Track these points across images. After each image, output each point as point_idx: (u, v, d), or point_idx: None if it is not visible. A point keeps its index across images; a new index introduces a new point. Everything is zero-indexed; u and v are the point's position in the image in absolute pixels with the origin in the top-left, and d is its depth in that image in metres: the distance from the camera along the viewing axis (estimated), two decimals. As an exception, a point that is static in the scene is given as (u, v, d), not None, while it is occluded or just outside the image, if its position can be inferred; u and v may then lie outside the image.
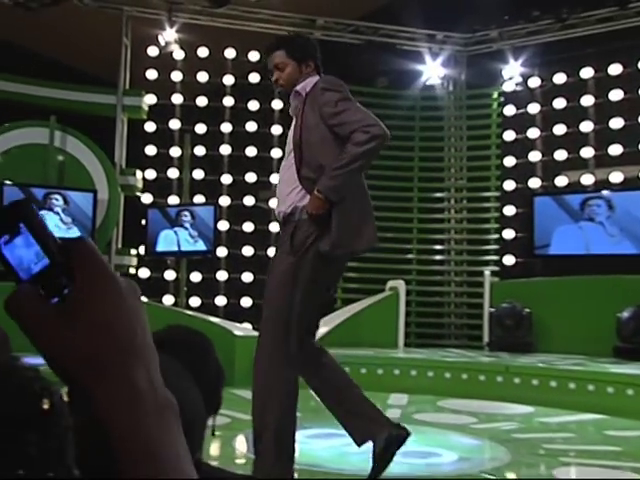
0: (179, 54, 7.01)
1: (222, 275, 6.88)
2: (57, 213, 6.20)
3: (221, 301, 6.87)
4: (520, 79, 7.05)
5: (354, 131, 2.53)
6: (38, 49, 6.88)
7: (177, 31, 6.93)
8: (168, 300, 6.81)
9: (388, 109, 7.38)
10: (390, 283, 6.64)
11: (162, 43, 6.90)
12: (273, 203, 7.00)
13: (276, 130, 7.06)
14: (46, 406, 0.52)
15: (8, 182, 6.00)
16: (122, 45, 6.78)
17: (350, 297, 6.96)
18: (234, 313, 6.66)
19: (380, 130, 2.55)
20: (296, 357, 2.48)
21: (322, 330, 6.23)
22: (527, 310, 6.12)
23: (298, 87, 2.68)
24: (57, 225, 6.18)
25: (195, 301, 6.86)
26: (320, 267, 2.52)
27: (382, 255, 7.25)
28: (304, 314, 2.51)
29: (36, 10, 6.20)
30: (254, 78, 7.11)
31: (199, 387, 1.01)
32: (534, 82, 6.97)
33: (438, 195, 7.52)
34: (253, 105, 7.05)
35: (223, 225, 6.93)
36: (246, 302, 6.85)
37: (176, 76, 7.03)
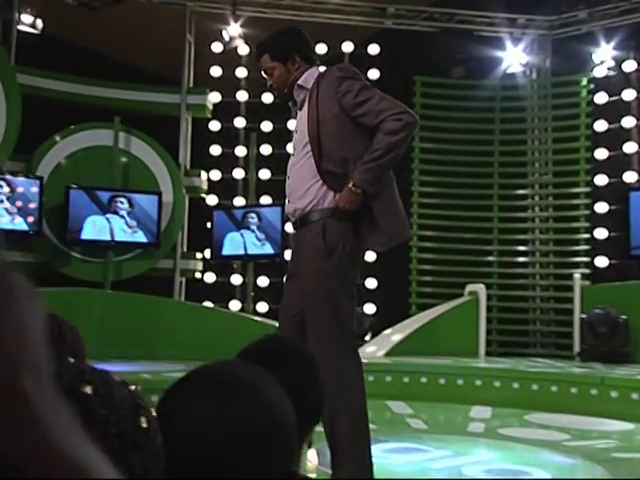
0: (244, 49, 7.06)
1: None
2: (122, 217, 6.34)
3: (262, 307, 6.85)
4: (613, 63, 6.72)
5: (384, 120, 2.50)
6: (101, 49, 7.06)
7: (241, 25, 6.98)
8: (235, 306, 6.84)
9: (465, 101, 7.20)
10: (469, 287, 6.46)
11: (226, 38, 6.96)
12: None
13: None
14: (145, 425, 0.55)
15: (74, 186, 6.18)
16: (185, 42, 6.88)
17: (426, 302, 6.82)
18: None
19: (411, 117, 2.53)
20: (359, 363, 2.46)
21: (396, 338, 6.13)
22: (623, 317, 5.81)
23: (300, 81, 2.68)
24: (122, 229, 6.32)
25: (262, 307, 6.86)
26: (357, 265, 2.55)
27: (460, 257, 7.07)
28: (351, 316, 2.51)
29: (99, 9, 6.37)
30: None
31: (304, 401, 0.97)
32: (629, 66, 6.63)
33: (521, 192, 7.26)
34: (320, 100, 7.00)
35: (291, 227, 6.91)
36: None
37: (241, 72, 7.07)
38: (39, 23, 6.44)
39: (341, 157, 2.53)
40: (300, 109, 2.71)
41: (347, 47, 7.02)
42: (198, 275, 6.94)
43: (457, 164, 7.15)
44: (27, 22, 6.36)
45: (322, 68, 2.76)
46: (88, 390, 0.55)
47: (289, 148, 7.07)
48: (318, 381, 1.27)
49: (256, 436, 0.77)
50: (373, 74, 6.93)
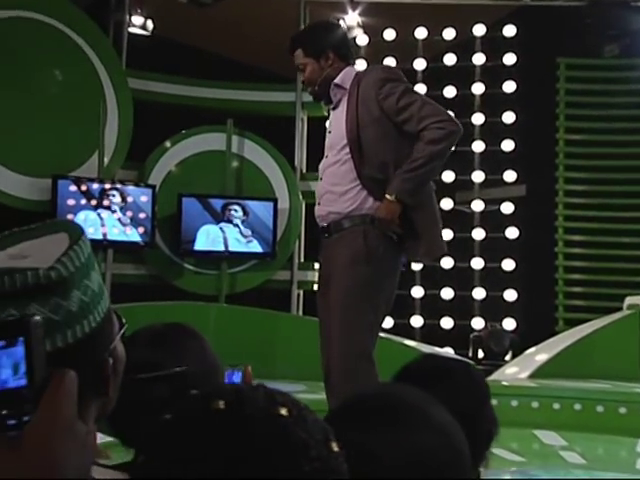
0: (363, 39, 7.01)
1: (418, 291, 6.71)
2: (236, 225, 6.44)
3: (417, 321, 6.69)
4: None
5: (426, 127, 2.58)
6: (211, 48, 7.24)
7: (360, 14, 6.94)
8: (356, 320, 6.77)
9: (619, 84, 6.80)
10: (629, 300, 6.04)
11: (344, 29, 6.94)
12: (476, 206, 6.72)
13: (477, 119, 6.77)
14: (336, 449, 0.60)
15: (186, 194, 6.35)
16: (300, 35, 6.93)
17: (576, 317, 6.44)
18: (432, 335, 6.47)
19: (455, 125, 2.61)
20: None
21: (541, 358, 5.82)
22: None
23: (337, 80, 2.78)
24: (236, 238, 6.43)
25: (387, 321, 6.75)
26: (396, 275, 2.66)
27: (616, 265, 6.65)
28: (376, 330, 2.67)
29: (209, 6, 6.55)
30: (450, 60, 6.89)
31: (475, 425, 0.98)
32: None
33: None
34: (449, 91, 6.82)
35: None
36: (447, 323, 6.62)
37: (360, 64, 7.03)
38: (149, 24, 6.71)
39: (381, 162, 2.63)
40: (334, 109, 2.82)
41: (479, 30, 6.79)
42: (316, 287, 6.94)
43: (610, 157, 6.74)
44: (137, 24, 6.64)
45: (359, 67, 2.83)
46: (284, 412, 0.59)
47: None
48: (487, 401, 1.23)
49: (438, 467, 0.77)
50: (509, 59, 6.66)
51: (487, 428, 1.21)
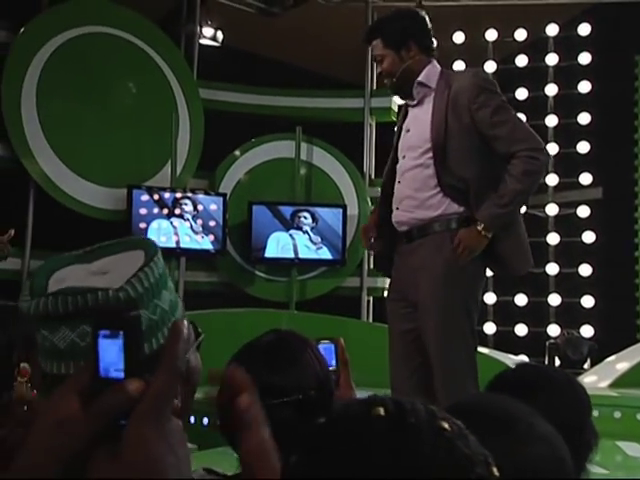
0: (431, 44, 6.94)
1: (490, 298, 6.58)
2: (305, 232, 6.46)
3: (490, 328, 6.56)
4: None
5: (517, 155, 2.50)
6: (280, 57, 7.30)
7: (428, 18, 6.87)
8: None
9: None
10: None
11: (412, 33, 6.89)
12: (550, 210, 6.55)
13: (551, 121, 6.60)
14: (497, 473, 0.59)
15: (256, 201, 6.41)
16: (368, 41, 6.91)
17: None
18: (506, 342, 6.33)
19: (546, 155, 2.58)
20: None
21: (622, 366, 5.61)
22: None
23: (421, 78, 2.64)
24: (306, 245, 6.45)
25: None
26: (482, 284, 2.68)
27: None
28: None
29: (277, 16, 6.61)
30: (521, 61, 6.75)
31: (575, 436, 0.96)
32: None
33: None
34: (521, 93, 6.68)
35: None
36: (521, 330, 6.46)
37: (429, 69, 6.97)
38: (219, 35, 6.82)
39: (460, 175, 2.54)
40: (414, 106, 2.69)
41: (552, 30, 6.63)
42: (387, 294, 6.89)
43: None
44: (208, 35, 6.76)
45: (436, 67, 2.70)
46: (447, 426, 0.58)
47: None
48: (589, 412, 1.19)
49: (545, 478, 0.76)
50: (584, 58, 6.47)
51: (587, 439, 1.17)
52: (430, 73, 2.67)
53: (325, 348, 1.47)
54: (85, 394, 0.63)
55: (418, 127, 2.63)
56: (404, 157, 2.67)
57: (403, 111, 2.83)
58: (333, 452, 0.57)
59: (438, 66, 2.72)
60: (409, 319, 2.65)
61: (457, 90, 2.60)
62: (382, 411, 0.58)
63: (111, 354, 0.62)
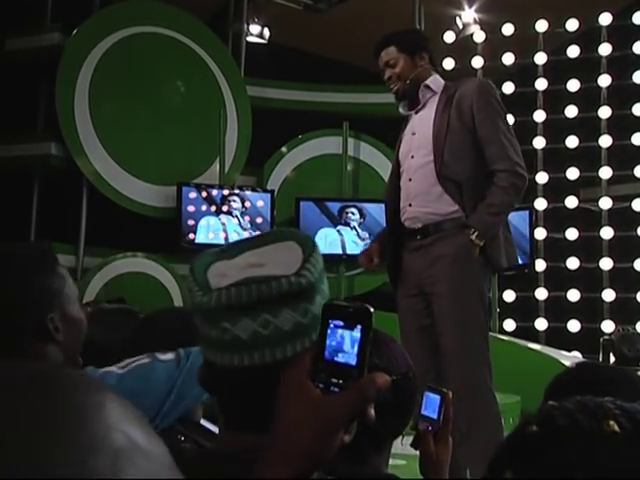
0: (479, 36, 6.83)
1: (542, 293, 6.45)
2: (353, 228, 6.44)
3: (542, 324, 6.43)
4: None
5: (506, 170, 2.62)
6: (326, 53, 7.27)
7: (476, 10, 6.76)
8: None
9: None
10: None
11: (460, 26, 6.80)
12: (603, 203, 6.39)
13: (604, 113, 6.42)
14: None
15: (304, 197, 6.41)
16: (415, 35, 6.85)
17: None
18: (558, 339, 6.21)
19: (525, 181, 2.66)
20: None
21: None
22: None
23: (428, 82, 2.79)
24: (354, 241, 6.42)
25: (510, 324, 6.53)
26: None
27: None
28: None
29: (323, 12, 6.59)
30: (573, 52, 6.58)
31: None
32: None
33: None
34: (573, 85, 6.52)
35: (540, 233, 6.52)
36: (573, 326, 6.32)
37: (477, 62, 6.84)
38: (266, 32, 6.83)
39: (456, 176, 2.65)
40: (417, 111, 2.83)
41: (605, 19, 6.45)
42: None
43: None
44: (255, 33, 6.79)
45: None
46: (614, 426, 0.55)
47: (535, 142, 6.68)
48: None
49: None
50: (639, 48, 6.29)
51: None
52: (436, 80, 2.84)
53: (431, 397, 1.41)
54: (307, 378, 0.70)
55: (423, 128, 2.76)
56: (413, 157, 2.77)
57: (404, 122, 2.99)
58: (568, 470, 0.53)
59: (442, 80, 2.88)
60: (425, 314, 2.72)
61: (463, 93, 2.73)
62: (616, 426, 0.55)
63: (339, 342, 0.70)
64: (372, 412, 0.71)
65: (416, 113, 2.86)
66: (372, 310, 0.71)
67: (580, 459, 0.53)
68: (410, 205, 2.73)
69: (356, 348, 0.69)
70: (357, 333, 0.70)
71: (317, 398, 0.69)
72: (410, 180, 2.75)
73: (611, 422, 0.54)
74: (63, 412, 0.38)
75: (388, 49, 2.84)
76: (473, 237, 2.57)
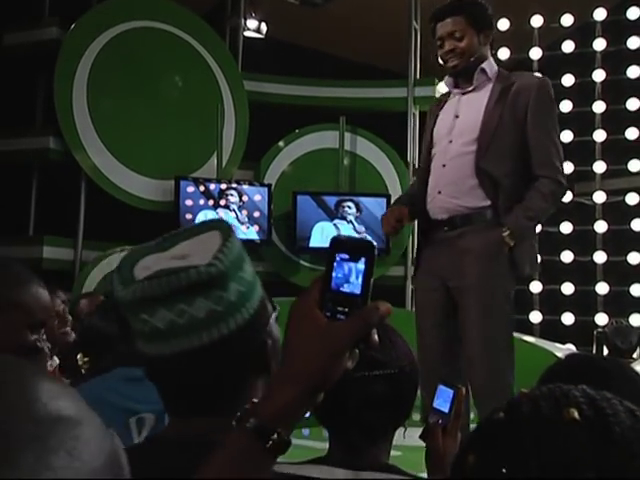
0: (475, 31, 6.83)
1: (536, 286, 6.47)
2: (350, 222, 6.45)
3: (536, 317, 6.45)
4: None
5: (549, 177, 2.53)
6: (323, 48, 7.26)
7: (472, 5, 6.76)
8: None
9: None
10: None
11: (455, 21, 6.79)
12: (598, 197, 6.41)
13: (598, 107, 6.43)
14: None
15: (300, 191, 6.41)
16: (411, 30, 6.83)
17: None
18: (552, 331, 6.22)
19: (566, 185, 2.61)
20: None
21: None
22: None
23: (485, 65, 2.61)
24: (350, 235, 6.44)
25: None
26: None
27: None
28: None
29: (320, 6, 6.58)
30: (568, 47, 6.58)
31: None
32: None
33: None
34: (567, 80, 6.53)
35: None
36: (567, 319, 6.34)
37: (473, 57, 6.86)
38: (263, 27, 6.82)
39: (498, 171, 2.54)
40: (465, 93, 2.65)
41: (599, 14, 6.45)
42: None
43: None
44: (252, 27, 6.77)
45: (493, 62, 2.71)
46: (574, 413, 0.55)
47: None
48: None
49: None
50: (633, 42, 6.28)
51: None
52: (492, 65, 2.66)
53: (443, 391, 1.40)
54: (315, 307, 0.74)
55: (470, 114, 2.59)
56: (451, 142, 2.61)
57: (443, 99, 2.80)
58: (522, 457, 0.53)
59: (495, 65, 2.72)
60: (445, 309, 2.63)
61: (521, 88, 2.58)
62: (576, 414, 0.54)
63: (345, 273, 0.74)
64: (375, 338, 0.75)
65: (463, 94, 2.67)
66: (375, 244, 0.75)
67: (535, 445, 0.53)
68: (439, 193, 2.59)
69: (360, 279, 0.73)
70: (361, 265, 0.74)
71: (324, 324, 0.73)
72: (444, 166, 2.60)
73: (572, 409, 0.54)
74: None
75: (457, 17, 2.58)
76: (505, 235, 2.48)
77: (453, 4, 2.64)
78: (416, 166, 6.85)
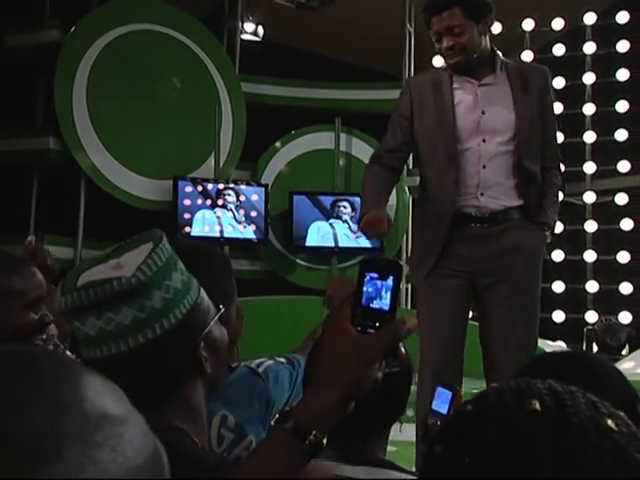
0: (468, 34, 6.88)
1: (528, 285, 6.53)
2: (345, 221, 6.49)
3: (527, 315, 6.51)
4: None
5: (558, 169, 2.54)
6: (319, 51, 7.31)
7: (465, 8, 6.81)
8: (465, 314, 6.67)
9: None
10: None
11: (449, 24, 6.83)
12: (588, 197, 6.48)
13: (588, 109, 6.50)
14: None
15: (297, 191, 6.46)
16: (405, 33, 6.88)
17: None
18: (543, 329, 6.26)
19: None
20: None
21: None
22: None
23: (498, 58, 2.53)
24: (346, 234, 6.48)
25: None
26: None
27: None
28: None
29: (316, 9, 6.62)
30: (559, 50, 6.65)
31: None
32: None
33: None
34: (558, 82, 6.58)
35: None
36: (558, 316, 6.40)
37: (466, 60, 6.91)
38: (260, 30, 6.86)
39: (530, 169, 2.48)
40: (480, 86, 2.50)
41: (589, 18, 6.52)
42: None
43: None
44: (249, 30, 6.82)
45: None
46: (613, 426, 0.53)
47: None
48: (636, 401, 1.11)
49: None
50: (622, 46, 6.36)
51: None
52: (499, 54, 2.54)
53: (442, 392, 1.42)
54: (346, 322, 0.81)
55: (499, 110, 2.44)
56: (484, 141, 2.45)
57: (449, 85, 2.54)
58: (484, 447, 0.54)
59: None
60: (465, 301, 2.54)
61: (535, 79, 2.51)
62: (537, 405, 0.54)
63: (374, 291, 0.79)
64: (403, 350, 0.83)
65: (479, 86, 2.50)
66: (402, 264, 0.83)
67: (497, 435, 0.53)
68: (482, 194, 2.45)
69: (389, 296, 0.79)
70: (389, 282, 0.79)
71: (356, 337, 0.79)
72: (484, 167, 2.44)
73: (534, 401, 0.54)
74: (32, 383, 0.42)
75: (453, 10, 2.35)
76: (548, 234, 2.46)
77: None
78: (410, 166, 6.91)
